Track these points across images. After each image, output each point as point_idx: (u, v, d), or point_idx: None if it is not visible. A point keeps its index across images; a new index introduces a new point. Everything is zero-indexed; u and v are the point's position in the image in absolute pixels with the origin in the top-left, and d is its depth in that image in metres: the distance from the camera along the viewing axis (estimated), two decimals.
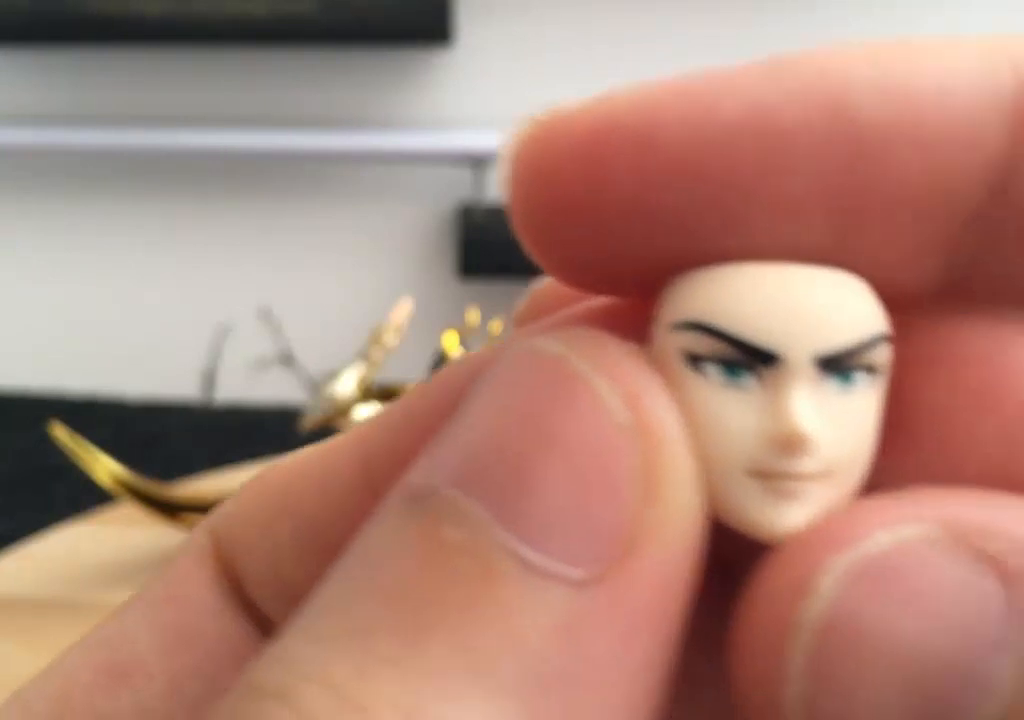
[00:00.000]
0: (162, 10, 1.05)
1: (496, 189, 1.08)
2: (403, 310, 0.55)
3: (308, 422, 0.52)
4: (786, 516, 0.10)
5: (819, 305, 0.10)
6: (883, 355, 0.10)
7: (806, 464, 0.10)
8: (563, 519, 0.09)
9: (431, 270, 1.14)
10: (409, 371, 0.60)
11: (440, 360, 0.52)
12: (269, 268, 1.15)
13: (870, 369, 0.10)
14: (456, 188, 1.11)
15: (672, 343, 0.10)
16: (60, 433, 0.48)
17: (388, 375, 0.54)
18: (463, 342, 0.52)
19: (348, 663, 0.08)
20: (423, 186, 1.13)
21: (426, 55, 1.10)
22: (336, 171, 1.14)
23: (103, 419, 0.71)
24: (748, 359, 0.10)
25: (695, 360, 0.10)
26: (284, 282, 1.14)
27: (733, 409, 0.10)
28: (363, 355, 0.53)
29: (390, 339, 0.54)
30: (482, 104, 1.10)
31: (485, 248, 1.07)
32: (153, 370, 1.09)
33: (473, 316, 0.53)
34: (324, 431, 0.51)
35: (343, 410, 0.51)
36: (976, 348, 0.10)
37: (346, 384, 0.52)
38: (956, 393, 0.10)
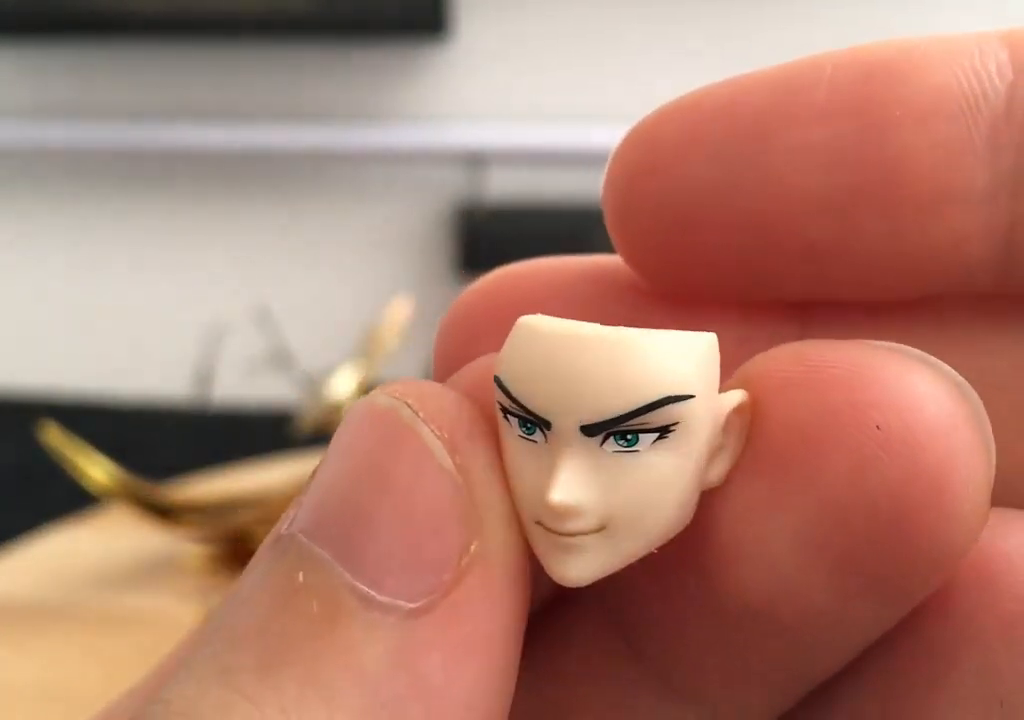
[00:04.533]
0: (156, 6, 1.04)
1: (496, 186, 1.07)
2: (402, 308, 0.55)
3: (305, 423, 0.51)
4: (569, 567, 0.10)
5: (583, 373, 0.10)
6: (678, 413, 0.10)
7: (575, 524, 0.10)
8: (395, 557, 0.10)
9: (430, 267, 1.13)
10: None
11: None
12: (266, 266, 1.14)
13: (660, 429, 0.10)
14: (455, 184, 1.11)
15: (495, 394, 0.11)
16: (53, 434, 0.47)
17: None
18: None
19: (215, 702, 0.09)
20: (422, 182, 1.12)
21: (425, 50, 1.09)
22: (334, 167, 1.13)
23: (96, 420, 0.70)
24: (532, 419, 0.10)
25: (504, 411, 0.10)
26: (281, 281, 1.13)
27: (526, 462, 0.10)
28: (361, 354, 0.53)
29: (389, 338, 0.53)
30: (481, 100, 1.09)
31: (485, 245, 1.07)
32: (148, 370, 1.08)
33: None
34: (321, 433, 0.51)
35: (341, 410, 0.50)
36: None
37: (344, 384, 0.51)
38: None
